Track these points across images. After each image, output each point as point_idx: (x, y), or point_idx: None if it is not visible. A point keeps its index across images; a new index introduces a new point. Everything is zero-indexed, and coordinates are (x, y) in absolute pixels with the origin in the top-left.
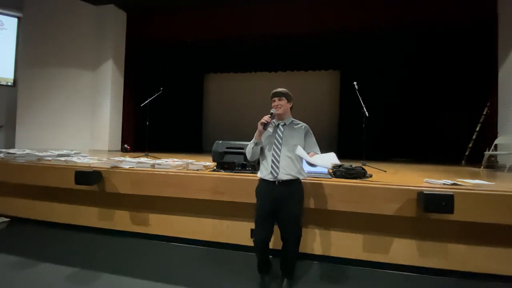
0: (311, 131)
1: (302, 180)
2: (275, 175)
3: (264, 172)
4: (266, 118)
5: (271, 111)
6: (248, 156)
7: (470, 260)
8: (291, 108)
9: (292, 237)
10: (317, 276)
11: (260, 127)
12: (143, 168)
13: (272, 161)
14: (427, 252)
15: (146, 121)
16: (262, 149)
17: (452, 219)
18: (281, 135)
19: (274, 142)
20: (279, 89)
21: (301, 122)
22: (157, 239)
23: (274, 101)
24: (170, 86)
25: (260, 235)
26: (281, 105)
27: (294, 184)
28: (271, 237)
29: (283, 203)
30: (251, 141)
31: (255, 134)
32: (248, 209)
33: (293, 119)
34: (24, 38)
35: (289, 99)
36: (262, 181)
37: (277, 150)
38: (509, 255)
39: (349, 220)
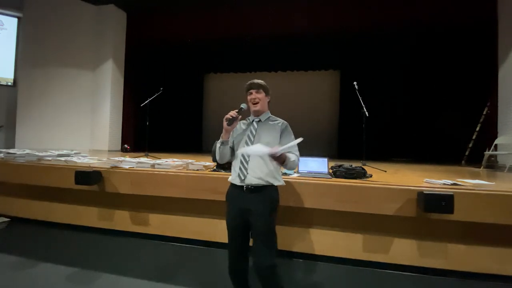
0: (290, 129)
1: (300, 180)
2: (242, 178)
3: (233, 175)
4: (232, 113)
5: (242, 105)
6: (217, 157)
7: (470, 260)
8: (268, 103)
9: (263, 262)
10: (317, 276)
11: (224, 123)
12: (143, 168)
13: (241, 161)
14: (427, 252)
15: (146, 121)
16: (232, 149)
17: (452, 219)
18: (254, 132)
19: (246, 140)
20: (256, 80)
21: (279, 119)
22: (157, 239)
23: (251, 93)
24: (170, 86)
25: (232, 252)
26: (259, 99)
27: (267, 192)
28: (247, 257)
29: (252, 213)
30: (218, 140)
31: (222, 132)
32: None
33: (271, 115)
34: (24, 38)
35: (267, 92)
36: (231, 186)
37: None
38: (509, 255)
39: (349, 220)
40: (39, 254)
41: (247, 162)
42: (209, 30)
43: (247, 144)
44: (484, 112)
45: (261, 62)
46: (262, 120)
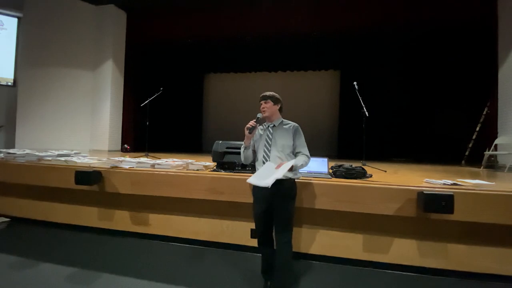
0: (300, 131)
1: (299, 180)
2: None
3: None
4: (251, 122)
5: (258, 115)
6: (242, 159)
7: (470, 260)
8: (280, 110)
9: (283, 233)
10: (317, 276)
11: (246, 131)
12: (143, 168)
13: (263, 162)
14: (427, 252)
15: (146, 121)
16: (254, 152)
17: (452, 219)
18: (271, 136)
19: (264, 144)
20: (265, 93)
21: (291, 122)
22: (157, 239)
23: (261, 104)
24: (170, 86)
25: (259, 236)
26: (267, 108)
27: (286, 184)
28: (271, 236)
29: (276, 202)
30: (242, 145)
31: (245, 139)
32: (248, 209)
33: (283, 120)
34: (24, 38)
35: (275, 102)
36: None
37: (267, 151)
38: (509, 255)
39: (349, 220)
40: (39, 254)
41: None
42: (209, 30)
43: (266, 147)
44: (484, 112)
45: (261, 62)
46: (276, 125)
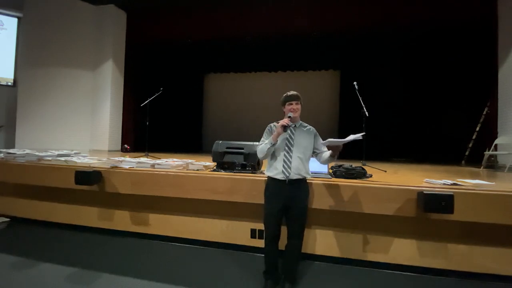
0: (318, 133)
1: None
2: (287, 174)
3: (274, 171)
4: (286, 121)
5: (289, 114)
6: (261, 155)
7: (470, 260)
8: None
9: (299, 230)
10: (317, 276)
11: (280, 129)
12: (143, 168)
13: (284, 161)
14: (427, 252)
15: (146, 121)
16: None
17: (452, 219)
18: (293, 136)
19: (286, 144)
20: (295, 93)
21: (308, 125)
22: (157, 239)
23: (291, 104)
24: (170, 86)
25: (270, 235)
26: (298, 109)
27: (303, 183)
28: (280, 235)
29: (294, 200)
30: (266, 142)
31: (273, 135)
32: (248, 209)
33: (301, 121)
34: (24, 38)
35: (301, 102)
36: (272, 180)
37: (289, 151)
38: (509, 255)
39: (349, 220)
40: (39, 254)
41: (290, 162)
42: (209, 30)
43: (288, 147)
44: (484, 112)
45: (261, 62)
46: (297, 126)
